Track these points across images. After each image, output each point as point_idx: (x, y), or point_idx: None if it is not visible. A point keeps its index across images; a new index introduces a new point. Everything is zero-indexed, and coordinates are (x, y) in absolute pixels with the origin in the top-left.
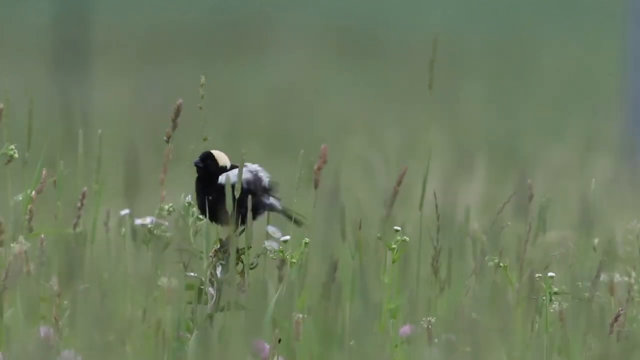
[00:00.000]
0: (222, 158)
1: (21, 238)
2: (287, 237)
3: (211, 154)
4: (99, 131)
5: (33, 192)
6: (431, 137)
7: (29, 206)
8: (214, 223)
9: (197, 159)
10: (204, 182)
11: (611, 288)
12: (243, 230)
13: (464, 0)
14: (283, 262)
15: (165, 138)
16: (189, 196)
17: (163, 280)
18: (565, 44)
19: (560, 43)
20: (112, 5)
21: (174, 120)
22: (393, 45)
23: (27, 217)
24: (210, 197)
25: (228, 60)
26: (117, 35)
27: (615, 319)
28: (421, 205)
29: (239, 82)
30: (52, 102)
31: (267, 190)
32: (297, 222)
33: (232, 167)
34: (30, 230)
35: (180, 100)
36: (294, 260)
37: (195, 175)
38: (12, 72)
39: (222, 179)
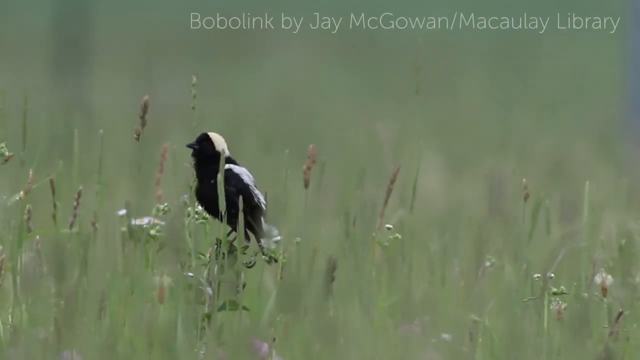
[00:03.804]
0: (219, 141)
1: None
2: (279, 238)
3: (207, 135)
4: (100, 131)
5: (21, 193)
6: (424, 138)
7: (27, 206)
8: (205, 209)
9: (194, 142)
10: (200, 166)
11: (604, 289)
12: (232, 230)
13: (464, 1)
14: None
15: (135, 136)
16: (185, 196)
17: (156, 280)
18: (566, 44)
19: (560, 43)
20: (112, 5)
21: (142, 118)
22: (392, 45)
23: (25, 217)
24: (212, 181)
25: (228, 59)
26: (117, 35)
27: (616, 320)
28: (412, 206)
29: (238, 81)
30: (52, 102)
31: (259, 210)
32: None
33: (229, 160)
34: (29, 230)
35: (147, 97)
36: (284, 260)
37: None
38: (12, 72)
39: (236, 170)
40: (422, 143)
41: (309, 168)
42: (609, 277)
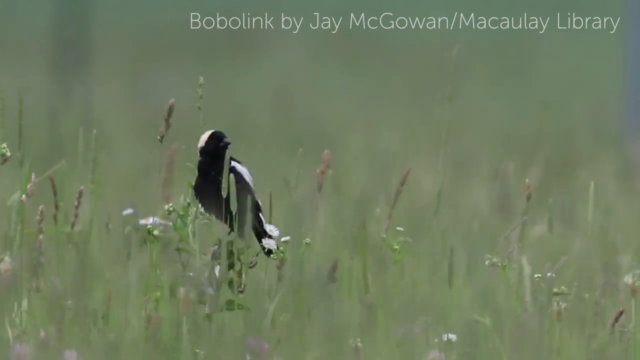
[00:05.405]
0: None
1: (7, 258)
2: (288, 238)
3: (223, 133)
4: (94, 131)
5: (23, 196)
6: (426, 139)
7: (41, 207)
8: (205, 207)
9: (226, 138)
10: (208, 164)
11: (633, 290)
12: (234, 230)
13: (464, 1)
14: (282, 261)
15: (158, 137)
16: (186, 196)
17: (180, 291)
18: (566, 44)
19: (560, 43)
20: (112, 5)
21: (167, 120)
22: (392, 44)
23: (38, 218)
24: (219, 178)
25: (228, 59)
26: (117, 35)
27: (616, 319)
28: (436, 212)
29: (238, 81)
30: (52, 102)
31: (257, 207)
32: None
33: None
34: (41, 230)
35: (173, 100)
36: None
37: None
38: (12, 73)
39: (240, 169)
40: (427, 147)
41: (322, 173)
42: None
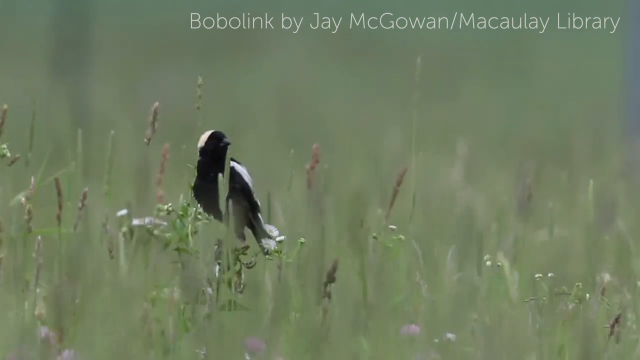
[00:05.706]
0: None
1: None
2: (283, 237)
3: (223, 134)
4: (112, 132)
5: (23, 199)
6: (426, 140)
7: (28, 206)
8: (204, 207)
9: (225, 138)
10: (207, 163)
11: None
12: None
13: (464, 1)
14: (282, 261)
15: (145, 140)
16: (184, 196)
17: (165, 291)
18: (566, 44)
19: (560, 43)
20: (112, 5)
21: (152, 124)
22: (392, 44)
23: (26, 217)
24: (218, 177)
25: (228, 59)
26: (117, 35)
27: (616, 321)
28: (411, 218)
29: (238, 81)
30: (51, 103)
31: (255, 207)
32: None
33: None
34: (29, 230)
35: (157, 104)
36: (289, 260)
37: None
38: (11, 73)
39: (239, 169)
40: (418, 146)
41: (312, 168)
42: (607, 276)
